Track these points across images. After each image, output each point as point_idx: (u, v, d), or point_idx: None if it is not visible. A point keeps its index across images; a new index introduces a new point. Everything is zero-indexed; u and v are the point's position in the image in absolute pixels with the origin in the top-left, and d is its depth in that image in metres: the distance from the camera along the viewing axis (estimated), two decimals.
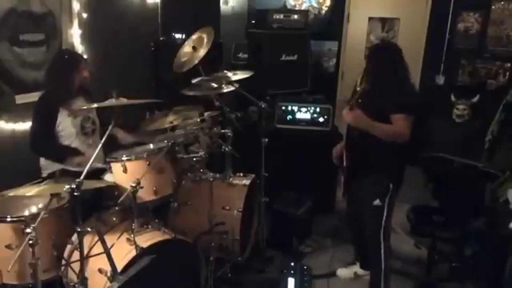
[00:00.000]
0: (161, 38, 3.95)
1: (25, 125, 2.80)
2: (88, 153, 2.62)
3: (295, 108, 3.93)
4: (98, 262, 2.05)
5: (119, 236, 2.15)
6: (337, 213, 3.88)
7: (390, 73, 2.52)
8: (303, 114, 3.92)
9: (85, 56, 3.22)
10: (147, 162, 2.35)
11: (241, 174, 3.01)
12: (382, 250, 2.59)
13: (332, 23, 5.10)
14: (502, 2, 4.21)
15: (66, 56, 2.79)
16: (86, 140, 2.75)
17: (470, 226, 3.04)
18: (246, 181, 2.90)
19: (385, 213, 2.57)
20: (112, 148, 2.59)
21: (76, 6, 3.16)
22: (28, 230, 1.85)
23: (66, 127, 2.66)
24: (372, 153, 2.53)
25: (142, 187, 2.26)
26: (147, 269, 2.01)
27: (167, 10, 3.96)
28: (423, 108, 2.82)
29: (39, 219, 1.91)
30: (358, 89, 2.57)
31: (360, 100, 2.51)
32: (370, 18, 5.00)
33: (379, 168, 2.55)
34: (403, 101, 2.44)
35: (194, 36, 2.99)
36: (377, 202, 2.55)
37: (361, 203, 2.68)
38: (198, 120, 2.98)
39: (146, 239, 2.20)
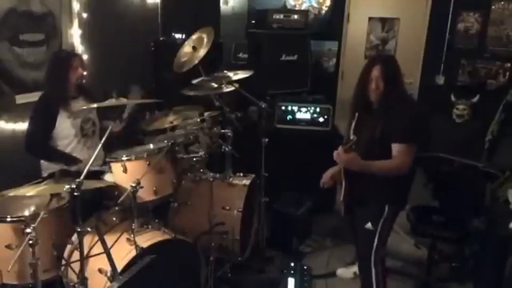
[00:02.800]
0: (161, 38, 3.95)
1: (25, 125, 2.79)
2: (85, 160, 2.62)
3: (295, 108, 3.93)
4: (98, 262, 2.04)
5: (119, 236, 2.15)
6: (337, 213, 3.87)
7: (403, 87, 2.35)
8: (303, 114, 3.92)
9: (84, 56, 3.22)
10: (147, 162, 2.35)
11: (241, 174, 3.01)
12: (374, 277, 2.40)
13: (332, 23, 5.10)
14: (502, 2, 4.21)
15: (58, 56, 2.79)
16: (86, 142, 2.75)
17: (470, 226, 3.04)
18: (246, 181, 2.90)
19: (376, 240, 2.38)
20: (112, 148, 2.59)
21: (76, 6, 3.16)
22: (28, 230, 1.85)
23: (65, 128, 2.65)
24: (372, 182, 2.31)
25: (142, 187, 2.26)
26: (147, 269, 2.01)
27: (167, 10, 3.96)
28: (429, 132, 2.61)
29: (39, 219, 1.91)
30: (352, 137, 2.36)
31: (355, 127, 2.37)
32: (370, 18, 4.99)
33: (379, 195, 2.36)
34: (414, 126, 2.23)
35: (194, 36, 2.99)
36: (368, 225, 2.37)
37: (356, 225, 2.52)
38: (198, 120, 2.98)
39: (146, 239, 2.20)
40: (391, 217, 2.42)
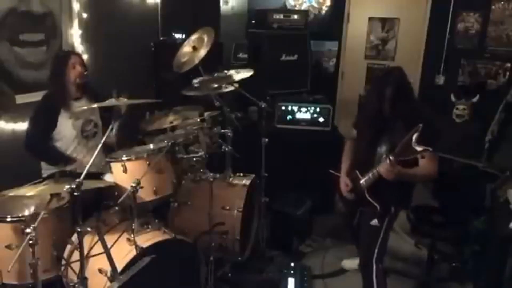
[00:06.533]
0: (161, 38, 3.95)
1: (26, 125, 2.80)
2: (81, 160, 2.63)
3: (295, 108, 3.93)
4: (98, 262, 2.05)
5: (119, 236, 2.15)
6: (337, 213, 3.87)
7: (413, 95, 2.41)
8: (303, 114, 3.92)
9: (84, 56, 3.22)
10: (147, 162, 2.35)
11: (241, 174, 3.01)
12: (374, 274, 2.46)
13: (332, 23, 5.10)
14: (502, 2, 4.21)
15: (57, 55, 2.80)
16: (87, 143, 2.75)
17: (470, 226, 3.04)
18: (246, 181, 2.90)
19: (381, 235, 2.46)
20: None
21: (76, 6, 3.17)
22: (28, 230, 1.84)
23: (66, 129, 2.65)
24: (381, 185, 2.36)
25: (142, 187, 2.26)
26: (147, 269, 2.01)
27: (167, 10, 3.96)
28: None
29: (39, 219, 1.90)
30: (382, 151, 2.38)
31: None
32: (370, 18, 4.99)
33: (387, 197, 2.42)
34: (436, 128, 2.30)
35: (194, 36, 2.99)
36: (374, 221, 2.43)
37: (363, 221, 2.57)
38: (198, 120, 2.98)
39: (146, 239, 2.20)
40: (395, 216, 2.53)
